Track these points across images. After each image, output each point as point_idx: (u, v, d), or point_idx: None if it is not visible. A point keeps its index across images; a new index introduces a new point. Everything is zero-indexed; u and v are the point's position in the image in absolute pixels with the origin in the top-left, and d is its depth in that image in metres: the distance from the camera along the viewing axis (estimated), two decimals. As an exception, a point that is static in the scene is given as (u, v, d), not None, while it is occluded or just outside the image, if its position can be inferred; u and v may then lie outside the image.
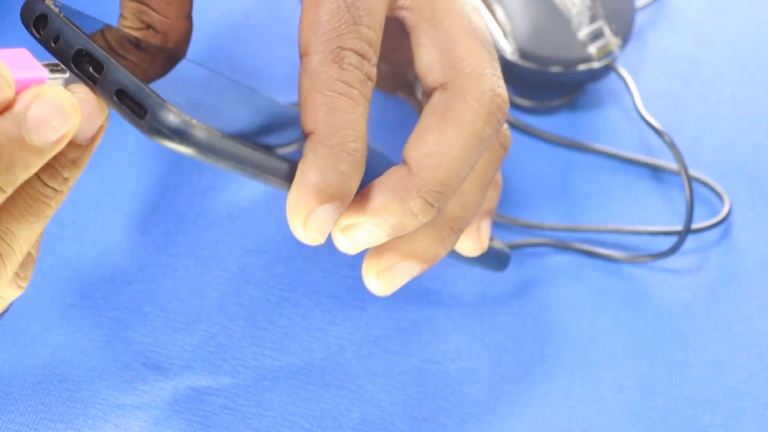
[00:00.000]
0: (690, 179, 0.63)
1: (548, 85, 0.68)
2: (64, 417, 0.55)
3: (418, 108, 0.55)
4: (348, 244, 0.48)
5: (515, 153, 0.64)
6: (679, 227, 0.63)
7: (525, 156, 0.66)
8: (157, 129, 0.42)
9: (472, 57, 0.48)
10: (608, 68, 0.67)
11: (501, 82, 0.48)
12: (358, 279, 0.60)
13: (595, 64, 0.66)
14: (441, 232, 0.50)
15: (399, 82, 0.56)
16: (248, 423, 0.56)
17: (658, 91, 0.69)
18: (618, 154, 0.66)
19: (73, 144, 0.43)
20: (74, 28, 0.44)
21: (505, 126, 0.50)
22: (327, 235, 0.46)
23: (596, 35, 0.66)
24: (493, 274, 0.61)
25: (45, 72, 0.43)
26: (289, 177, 0.46)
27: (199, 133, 0.43)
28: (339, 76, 0.45)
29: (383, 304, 0.60)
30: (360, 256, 0.61)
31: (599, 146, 0.66)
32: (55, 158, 0.43)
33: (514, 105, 0.67)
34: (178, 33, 0.49)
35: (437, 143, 0.47)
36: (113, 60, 0.43)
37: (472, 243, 0.54)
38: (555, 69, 0.66)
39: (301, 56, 0.46)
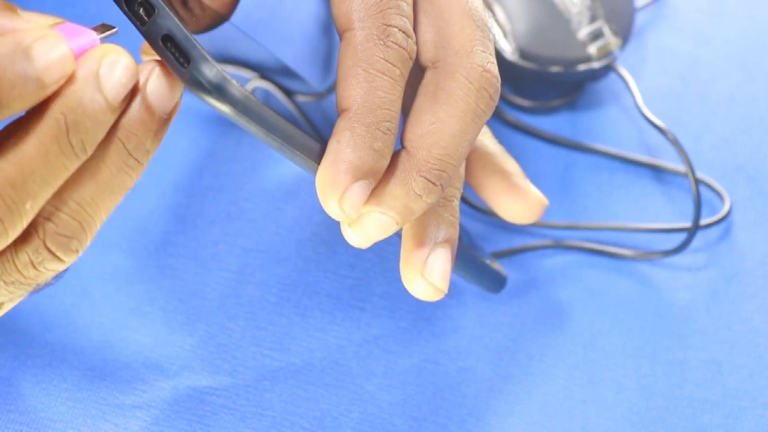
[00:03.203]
0: (694, 173, 0.63)
1: (548, 85, 0.68)
2: (64, 417, 0.55)
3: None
4: (358, 238, 0.47)
5: (515, 153, 0.64)
6: (683, 225, 0.63)
7: (525, 156, 0.66)
8: (198, 81, 0.43)
9: (462, 35, 0.48)
10: (608, 68, 0.67)
11: (491, 59, 0.48)
12: (358, 279, 0.60)
13: (595, 64, 0.66)
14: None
15: None
16: (248, 423, 0.56)
17: (658, 91, 0.69)
18: (618, 154, 0.66)
19: (154, 116, 0.44)
20: None
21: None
22: (358, 212, 0.46)
23: (596, 35, 0.66)
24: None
25: (95, 35, 0.43)
26: (316, 154, 0.46)
27: (237, 92, 0.43)
28: (384, 55, 0.45)
29: (383, 305, 0.60)
30: (361, 257, 0.61)
31: (599, 146, 0.66)
32: (139, 130, 0.44)
33: (514, 105, 0.67)
34: None
35: (431, 122, 0.47)
36: (165, 6, 0.44)
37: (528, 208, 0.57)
38: (555, 69, 0.66)
39: (342, 31, 0.46)
